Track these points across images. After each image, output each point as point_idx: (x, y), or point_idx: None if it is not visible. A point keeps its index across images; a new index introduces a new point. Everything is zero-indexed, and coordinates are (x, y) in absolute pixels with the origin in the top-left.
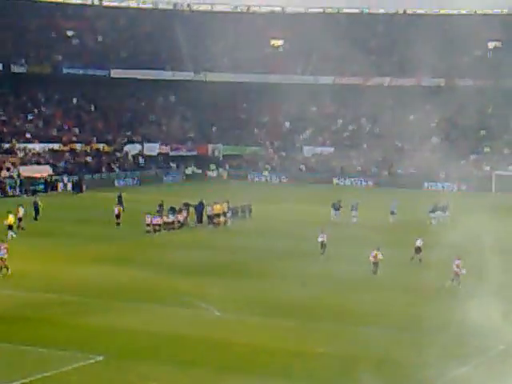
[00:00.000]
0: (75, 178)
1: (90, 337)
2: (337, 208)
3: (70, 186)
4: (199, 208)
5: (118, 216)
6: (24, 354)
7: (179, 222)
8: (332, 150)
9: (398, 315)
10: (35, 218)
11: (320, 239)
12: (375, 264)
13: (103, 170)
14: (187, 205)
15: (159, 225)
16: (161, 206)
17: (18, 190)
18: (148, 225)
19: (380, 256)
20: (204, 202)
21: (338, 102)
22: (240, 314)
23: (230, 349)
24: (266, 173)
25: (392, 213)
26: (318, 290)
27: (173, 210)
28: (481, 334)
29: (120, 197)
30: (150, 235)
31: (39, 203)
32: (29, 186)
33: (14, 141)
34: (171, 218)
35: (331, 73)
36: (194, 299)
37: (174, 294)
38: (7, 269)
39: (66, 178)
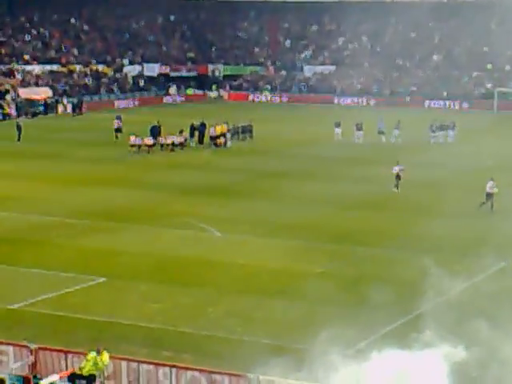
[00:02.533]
0: (75, 99)
1: (91, 259)
2: (359, 128)
3: (69, 107)
4: (201, 129)
5: (117, 130)
6: (27, 275)
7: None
8: (333, 68)
9: (403, 235)
10: (18, 139)
11: (395, 171)
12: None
13: (102, 91)
14: (192, 126)
15: (140, 146)
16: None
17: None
18: (132, 145)
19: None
20: (205, 122)
21: (339, 20)
22: (240, 234)
23: (231, 269)
24: (266, 92)
25: (381, 132)
26: (319, 210)
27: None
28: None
29: (119, 118)
30: (132, 155)
31: (21, 124)
32: (28, 107)
33: (12, 63)
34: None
35: None
36: (194, 220)
37: (175, 215)
38: None
39: (65, 100)
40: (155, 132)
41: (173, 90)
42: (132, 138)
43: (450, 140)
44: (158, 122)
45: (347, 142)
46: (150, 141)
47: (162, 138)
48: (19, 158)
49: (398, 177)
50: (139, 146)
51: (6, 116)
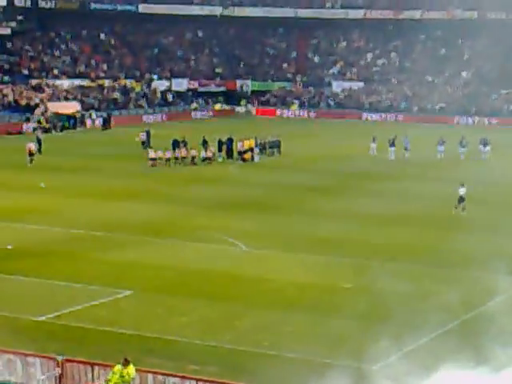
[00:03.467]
0: (103, 114)
1: (118, 272)
2: (392, 144)
3: (98, 122)
4: (229, 144)
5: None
6: (53, 288)
7: (184, 157)
8: (361, 84)
9: (428, 250)
10: (39, 152)
11: (461, 192)
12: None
13: (131, 106)
14: (220, 141)
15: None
16: (180, 141)
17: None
18: (152, 159)
19: None
20: (233, 137)
21: (368, 36)
22: (267, 249)
23: (258, 284)
24: (294, 108)
25: (405, 149)
26: (346, 225)
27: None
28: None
29: (148, 132)
30: (152, 169)
31: (41, 137)
32: (57, 122)
33: (42, 77)
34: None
35: (361, 6)
36: (221, 234)
37: (201, 229)
38: None
39: (94, 114)
40: (176, 146)
41: (194, 105)
42: (150, 152)
43: (488, 156)
44: (181, 137)
45: (378, 157)
46: (167, 154)
47: (180, 151)
48: (47, 172)
49: (461, 199)
50: (154, 159)
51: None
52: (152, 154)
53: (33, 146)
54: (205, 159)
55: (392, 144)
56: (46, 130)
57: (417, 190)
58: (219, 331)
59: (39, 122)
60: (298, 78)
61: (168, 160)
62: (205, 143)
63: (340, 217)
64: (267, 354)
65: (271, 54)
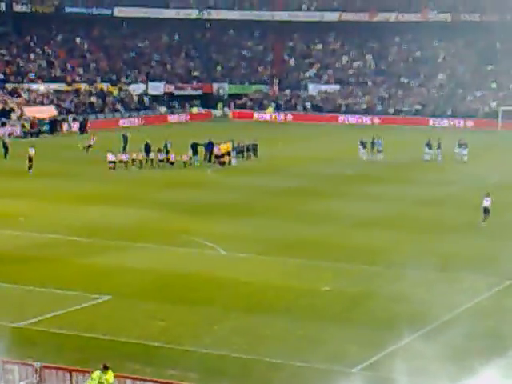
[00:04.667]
0: (80, 118)
1: (97, 277)
2: (364, 146)
3: (74, 126)
4: (208, 147)
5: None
6: (32, 293)
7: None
8: (337, 87)
9: (408, 253)
10: (5, 157)
11: (485, 203)
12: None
13: (107, 110)
14: (195, 144)
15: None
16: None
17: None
18: (110, 162)
19: None
20: (213, 141)
21: (344, 39)
22: (245, 252)
23: (237, 287)
24: (270, 111)
25: (378, 151)
26: (324, 228)
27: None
28: (491, 270)
29: (125, 136)
30: (128, 173)
31: (7, 142)
32: (33, 126)
33: (18, 82)
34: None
35: (336, 9)
36: (199, 238)
37: (180, 233)
38: None
39: (70, 119)
40: (148, 149)
41: (163, 109)
42: (109, 155)
43: (465, 158)
44: (149, 141)
45: (355, 160)
46: (123, 157)
47: (132, 154)
48: (22, 176)
49: (486, 210)
50: (114, 162)
51: (27, 134)
52: (111, 157)
53: (32, 151)
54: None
55: (365, 146)
56: (30, 134)
57: (395, 192)
58: (198, 335)
59: (23, 126)
60: (275, 81)
61: (126, 163)
62: (165, 147)
63: (318, 219)
64: (247, 358)
65: (248, 57)
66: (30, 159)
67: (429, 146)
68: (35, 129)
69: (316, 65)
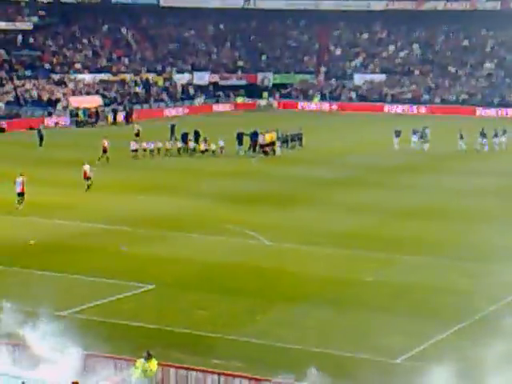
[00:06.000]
0: (125, 108)
1: (141, 266)
2: (398, 135)
3: (121, 116)
4: (253, 137)
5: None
6: (77, 282)
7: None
8: (383, 76)
9: (453, 244)
10: (40, 145)
11: None
12: None
13: (152, 100)
14: (240, 134)
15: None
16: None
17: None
18: (132, 150)
19: None
20: (258, 131)
21: (390, 28)
22: (289, 242)
23: (281, 277)
24: (316, 101)
25: (425, 141)
26: (369, 218)
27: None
28: None
29: (172, 126)
30: (171, 162)
31: (43, 132)
32: (77, 117)
33: (64, 72)
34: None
35: None
36: (243, 228)
37: (224, 223)
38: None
39: (115, 108)
40: (185, 138)
41: (200, 100)
42: (131, 144)
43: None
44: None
45: (400, 150)
46: (149, 145)
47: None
48: (71, 166)
49: None
50: (136, 151)
51: (80, 123)
52: (133, 146)
53: (106, 143)
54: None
55: (414, 134)
56: (83, 124)
57: (439, 182)
58: (242, 325)
59: (77, 115)
60: (320, 71)
61: (151, 151)
62: (197, 136)
63: (362, 210)
64: (290, 348)
65: (293, 47)
66: (105, 150)
67: (483, 135)
68: (93, 118)
69: (362, 54)
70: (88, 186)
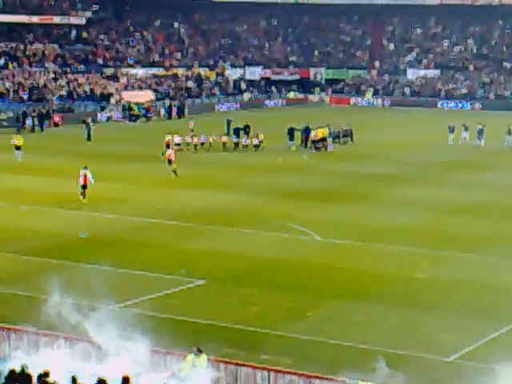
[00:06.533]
0: (177, 102)
1: (191, 261)
2: (452, 131)
3: (174, 110)
4: (305, 132)
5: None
6: (127, 277)
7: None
8: (437, 72)
9: (504, 241)
10: (88, 139)
11: None
12: None
13: (204, 94)
14: (291, 129)
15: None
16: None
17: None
18: (176, 144)
19: None
20: (309, 126)
21: (445, 23)
22: (340, 238)
23: (331, 273)
24: (368, 96)
25: (480, 138)
26: (420, 214)
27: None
28: None
29: (228, 120)
30: (221, 157)
31: (91, 125)
32: (131, 111)
33: (117, 66)
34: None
35: None
36: (294, 224)
37: (275, 218)
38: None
39: (169, 103)
40: (238, 133)
41: (247, 96)
42: (175, 138)
43: None
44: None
45: (455, 146)
46: (191, 140)
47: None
48: (121, 160)
49: None
50: (179, 145)
51: (134, 116)
52: (176, 140)
53: (178, 139)
54: (256, 146)
55: (465, 130)
56: (136, 118)
57: (493, 179)
58: (291, 321)
59: (130, 109)
60: (373, 66)
61: (192, 145)
62: (247, 130)
63: (414, 206)
64: (340, 344)
65: (346, 42)
66: (168, 145)
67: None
68: (150, 112)
69: (416, 49)
70: (174, 172)
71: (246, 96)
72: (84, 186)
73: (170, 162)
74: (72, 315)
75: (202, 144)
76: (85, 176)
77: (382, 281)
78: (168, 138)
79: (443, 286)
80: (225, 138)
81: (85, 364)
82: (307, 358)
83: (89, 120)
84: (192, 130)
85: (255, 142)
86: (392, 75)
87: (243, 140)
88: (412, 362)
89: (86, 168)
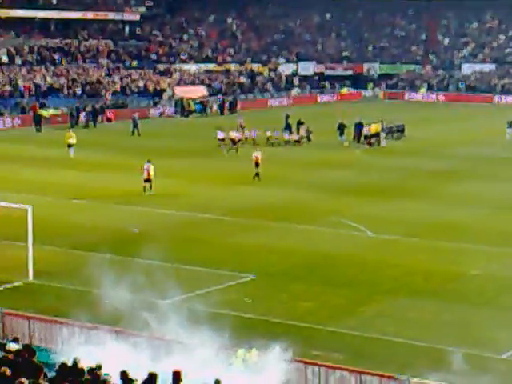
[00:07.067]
0: (230, 98)
1: (242, 256)
2: (510, 126)
3: (226, 106)
4: (358, 128)
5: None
6: (179, 272)
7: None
8: (493, 66)
9: None
10: (132, 134)
11: None
12: None
13: (257, 90)
14: (342, 125)
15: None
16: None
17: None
18: (219, 139)
19: None
20: (362, 121)
21: (501, 17)
22: (393, 234)
23: (384, 270)
24: (423, 91)
25: None
26: (474, 210)
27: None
28: None
29: (287, 116)
30: (220, 149)
31: (137, 121)
32: (188, 107)
33: (170, 62)
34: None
35: None
36: (346, 219)
37: (327, 213)
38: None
39: (223, 99)
40: (290, 128)
41: (295, 91)
42: (218, 133)
43: None
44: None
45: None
46: (236, 135)
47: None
48: (173, 155)
49: None
50: (223, 140)
51: (187, 112)
52: (220, 135)
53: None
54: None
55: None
56: (188, 114)
57: None
58: (343, 317)
59: (187, 104)
60: (427, 61)
61: (238, 141)
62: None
63: (468, 202)
64: (391, 341)
65: (400, 37)
66: (234, 142)
67: None
68: (207, 107)
69: (471, 44)
70: (257, 174)
71: (295, 92)
72: (147, 180)
73: (257, 164)
74: (123, 309)
75: (253, 139)
76: (148, 170)
77: (435, 277)
78: (233, 134)
79: (498, 283)
80: (286, 136)
81: (136, 358)
82: (358, 354)
83: (136, 115)
84: (242, 127)
85: (295, 137)
86: (447, 70)
87: (293, 135)
88: (465, 359)
89: (149, 162)
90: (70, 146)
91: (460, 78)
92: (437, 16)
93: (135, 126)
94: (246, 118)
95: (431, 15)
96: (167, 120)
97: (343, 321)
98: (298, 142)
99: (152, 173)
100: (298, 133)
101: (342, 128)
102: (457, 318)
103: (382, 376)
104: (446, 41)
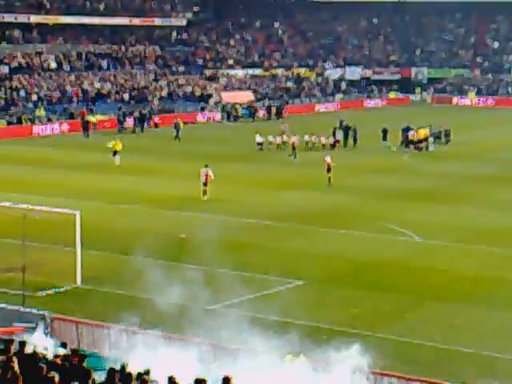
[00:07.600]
0: (276, 103)
1: (290, 261)
2: None
3: (273, 110)
4: (405, 132)
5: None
6: (225, 277)
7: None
8: None
9: None
10: (176, 137)
11: None
12: None
13: (304, 95)
14: (385, 130)
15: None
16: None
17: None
18: (258, 143)
19: None
20: (411, 126)
21: None
22: (441, 239)
23: (431, 275)
24: (471, 96)
25: None
26: None
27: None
28: None
29: (341, 122)
30: (260, 152)
31: (179, 126)
32: (231, 111)
33: (217, 67)
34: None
35: None
36: (394, 224)
37: (374, 218)
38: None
39: (269, 104)
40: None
41: (338, 97)
42: (257, 137)
43: None
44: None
45: None
46: (276, 139)
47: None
48: (218, 161)
49: None
50: (261, 144)
51: (235, 117)
52: (259, 139)
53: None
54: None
55: None
56: (235, 119)
57: None
58: (390, 323)
59: (235, 110)
60: (476, 65)
61: (278, 145)
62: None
63: None
64: (439, 347)
65: (448, 41)
66: (293, 147)
67: None
68: (257, 112)
69: None
70: (329, 179)
71: (338, 97)
72: (205, 184)
73: (329, 169)
74: (171, 314)
75: (306, 143)
76: (206, 174)
77: (483, 283)
78: (292, 138)
79: None
80: (333, 138)
81: (184, 363)
82: (406, 360)
83: (177, 120)
84: (284, 132)
85: (331, 141)
86: (496, 74)
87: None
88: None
89: (207, 166)
90: (115, 153)
91: (510, 81)
92: (486, 19)
93: (177, 130)
94: (293, 122)
95: (480, 18)
96: (214, 125)
97: (390, 326)
98: (333, 146)
99: (211, 178)
100: (334, 137)
101: (385, 133)
102: (506, 324)
103: (430, 383)
104: (496, 44)
